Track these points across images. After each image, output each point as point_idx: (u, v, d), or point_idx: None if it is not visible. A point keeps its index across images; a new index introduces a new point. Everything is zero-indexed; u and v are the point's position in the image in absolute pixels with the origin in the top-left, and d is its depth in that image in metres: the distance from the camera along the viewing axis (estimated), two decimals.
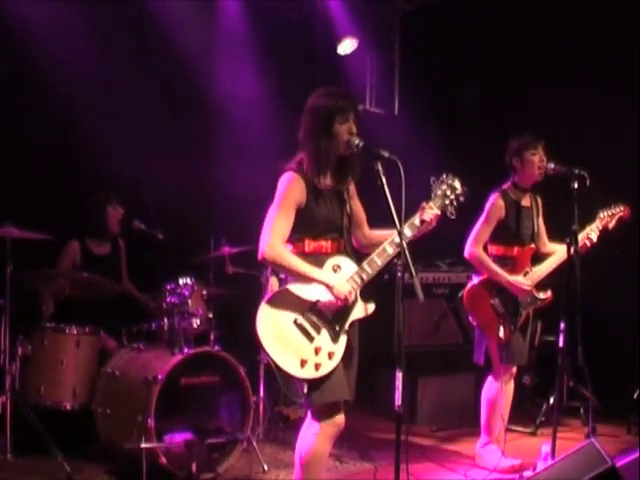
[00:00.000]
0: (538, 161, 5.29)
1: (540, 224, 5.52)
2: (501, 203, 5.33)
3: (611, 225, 5.34)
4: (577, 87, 6.96)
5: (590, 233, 5.26)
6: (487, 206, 5.33)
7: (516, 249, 5.35)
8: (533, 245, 5.39)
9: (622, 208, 5.38)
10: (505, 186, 5.41)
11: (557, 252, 5.29)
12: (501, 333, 5.18)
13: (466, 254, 5.38)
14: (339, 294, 3.75)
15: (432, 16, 7.93)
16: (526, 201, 5.45)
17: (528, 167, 5.32)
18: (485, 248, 5.35)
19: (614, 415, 6.43)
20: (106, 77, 6.72)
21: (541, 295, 5.30)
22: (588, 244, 5.24)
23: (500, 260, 5.33)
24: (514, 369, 5.40)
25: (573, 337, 4.89)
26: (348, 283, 3.80)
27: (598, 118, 6.86)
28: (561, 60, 7.12)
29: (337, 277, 3.82)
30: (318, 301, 3.77)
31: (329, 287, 3.76)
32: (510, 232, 5.34)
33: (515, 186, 5.41)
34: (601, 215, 5.35)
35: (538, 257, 5.42)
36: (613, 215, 5.35)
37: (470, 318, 5.48)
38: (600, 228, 5.31)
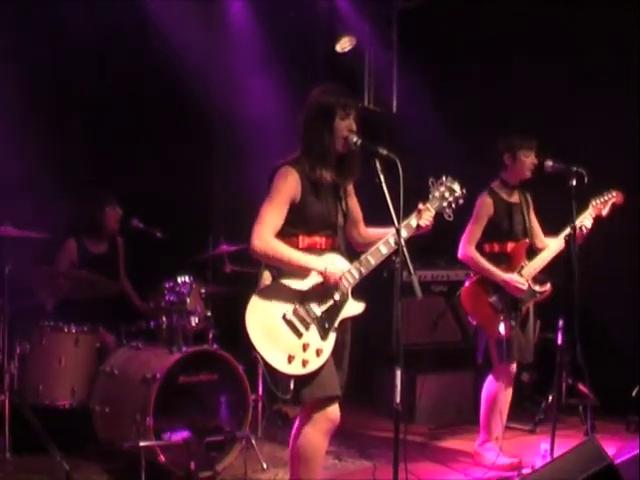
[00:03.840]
0: (530, 162, 5.35)
1: (533, 220, 5.53)
2: (489, 201, 5.35)
3: (605, 212, 5.33)
4: (579, 85, 6.96)
5: (584, 221, 5.26)
6: (476, 206, 5.34)
7: (510, 245, 5.36)
8: (527, 240, 5.39)
9: (614, 194, 5.36)
10: (493, 185, 5.44)
11: (551, 244, 5.30)
12: (502, 330, 5.18)
13: (459, 255, 5.41)
14: (331, 276, 3.75)
15: (431, 13, 7.92)
16: (515, 198, 5.47)
17: (519, 165, 5.36)
18: (481, 248, 5.36)
19: (613, 413, 6.42)
20: (106, 76, 6.72)
21: (538, 288, 5.31)
22: (584, 231, 5.24)
23: (496, 257, 5.34)
24: (514, 368, 5.39)
25: (572, 334, 4.89)
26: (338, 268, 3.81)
27: (600, 117, 6.86)
28: (563, 59, 7.11)
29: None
30: (308, 292, 3.76)
31: (320, 272, 3.76)
32: (502, 229, 5.36)
33: (503, 183, 5.44)
34: (593, 203, 5.35)
35: (535, 253, 5.42)
36: (606, 202, 5.34)
37: (470, 318, 5.47)
38: (593, 215, 5.30)
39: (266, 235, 3.77)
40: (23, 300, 5.51)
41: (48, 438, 5.07)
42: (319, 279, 3.79)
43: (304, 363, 3.71)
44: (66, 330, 5.47)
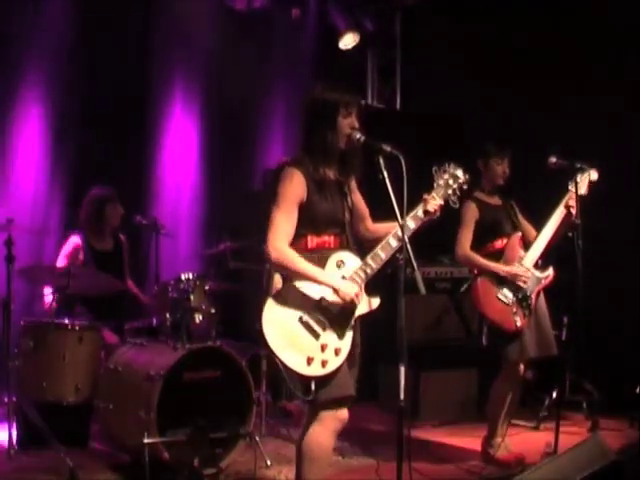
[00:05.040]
0: (500, 171, 5.46)
1: (522, 221, 5.57)
2: (473, 205, 5.43)
3: (584, 191, 5.31)
4: (581, 83, 6.95)
5: (569, 202, 5.25)
6: (462, 212, 5.39)
7: (503, 241, 5.41)
8: (519, 233, 5.42)
9: (590, 172, 5.35)
10: (475, 193, 5.50)
11: (544, 230, 5.32)
12: (518, 322, 5.21)
13: (457, 258, 5.50)
14: (345, 296, 3.74)
15: (433, 10, 7.92)
16: (496, 201, 5.55)
17: (491, 172, 5.48)
18: (477, 253, 5.38)
19: (617, 409, 6.42)
20: (106, 70, 6.72)
21: (538, 274, 5.33)
22: (572, 211, 5.23)
23: (492, 256, 5.37)
24: (522, 366, 5.38)
25: (576, 331, 4.89)
26: (354, 284, 3.78)
27: (603, 114, 6.85)
28: (565, 55, 7.10)
29: (343, 279, 3.79)
30: (323, 298, 3.75)
31: (335, 290, 3.74)
32: (491, 228, 5.42)
33: (482, 189, 5.53)
34: (571, 184, 5.34)
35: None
36: (583, 181, 5.32)
37: (485, 317, 5.44)
38: (574, 197, 5.29)
39: (281, 245, 3.74)
40: (28, 297, 5.52)
41: (52, 435, 5.08)
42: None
43: (323, 364, 3.69)
44: (70, 327, 5.47)
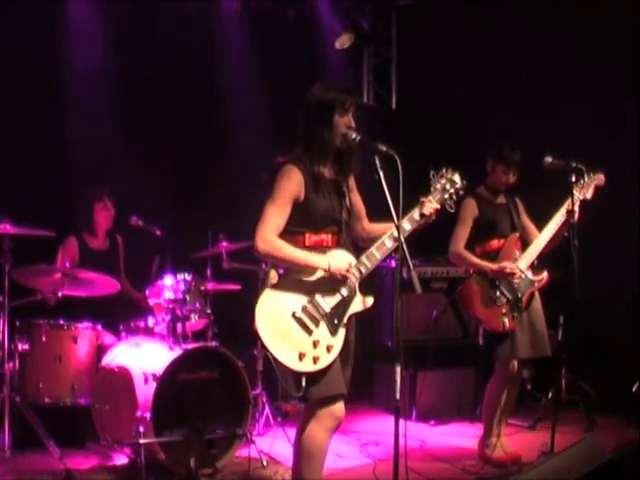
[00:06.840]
0: (504, 179, 5.45)
1: (524, 219, 5.58)
2: (473, 202, 5.43)
3: (589, 195, 5.31)
4: (577, 83, 6.95)
5: (570, 206, 5.24)
6: (460, 209, 5.37)
7: (499, 241, 5.41)
8: (516, 234, 5.41)
9: (596, 176, 5.34)
10: (477, 189, 5.51)
11: (543, 232, 5.32)
12: (507, 324, 5.20)
13: (449, 256, 5.49)
14: (337, 271, 3.76)
15: (429, 10, 7.91)
16: (500, 199, 5.55)
17: (495, 177, 5.48)
18: (472, 251, 5.39)
19: (613, 409, 6.42)
20: (105, 71, 6.71)
21: (532, 277, 5.33)
22: (575, 217, 5.22)
23: (489, 256, 5.37)
24: (514, 365, 5.38)
25: (572, 330, 4.89)
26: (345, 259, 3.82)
27: (600, 114, 6.85)
28: (562, 55, 7.10)
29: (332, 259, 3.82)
30: (317, 293, 3.76)
31: (325, 269, 3.76)
32: (488, 227, 5.43)
33: (486, 187, 5.54)
34: (577, 187, 5.32)
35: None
36: (588, 185, 5.32)
37: (474, 317, 5.45)
38: (580, 199, 5.27)
39: (269, 235, 3.77)
40: (23, 297, 5.51)
41: (48, 436, 5.08)
42: (326, 276, 3.79)
43: (315, 360, 3.71)
44: (66, 328, 5.46)
